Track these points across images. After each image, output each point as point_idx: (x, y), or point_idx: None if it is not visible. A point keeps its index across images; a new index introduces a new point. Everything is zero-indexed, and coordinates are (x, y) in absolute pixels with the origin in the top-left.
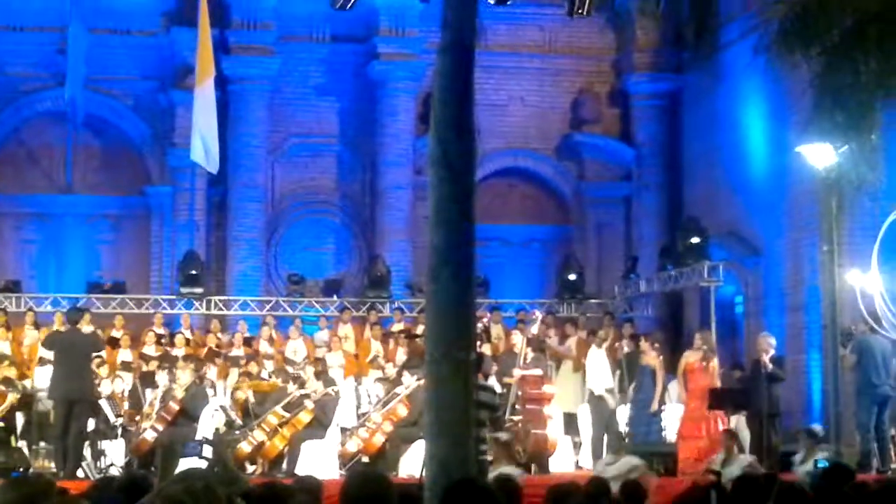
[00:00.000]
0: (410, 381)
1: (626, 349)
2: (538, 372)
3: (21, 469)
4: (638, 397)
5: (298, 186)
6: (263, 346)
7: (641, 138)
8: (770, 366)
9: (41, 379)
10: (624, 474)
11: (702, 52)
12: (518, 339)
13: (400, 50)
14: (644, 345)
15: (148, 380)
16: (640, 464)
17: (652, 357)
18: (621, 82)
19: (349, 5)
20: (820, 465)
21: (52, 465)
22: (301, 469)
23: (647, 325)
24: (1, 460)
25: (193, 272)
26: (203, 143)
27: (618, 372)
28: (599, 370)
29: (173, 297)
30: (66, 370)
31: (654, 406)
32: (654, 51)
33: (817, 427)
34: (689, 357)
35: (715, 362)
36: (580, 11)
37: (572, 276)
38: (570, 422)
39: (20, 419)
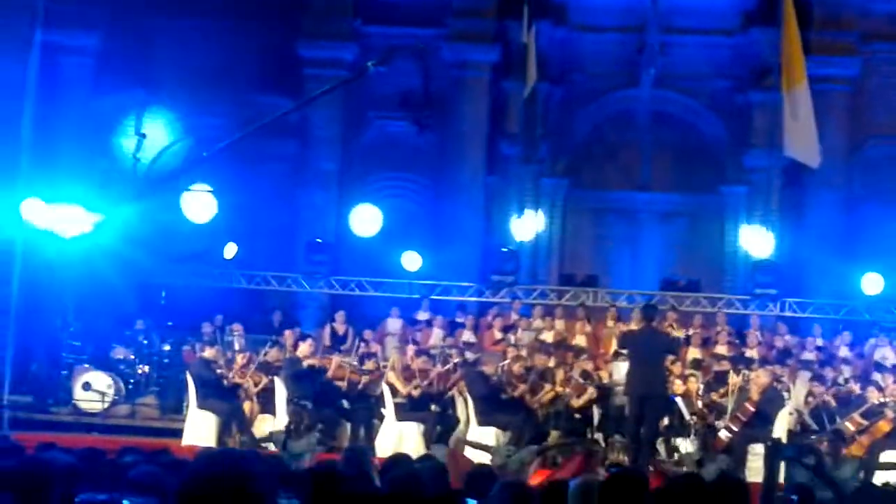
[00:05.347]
0: None
1: None
2: None
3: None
4: None
5: (879, 188)
6: (843, 351)
7: None
8: None
9: (617, 373)
10: None
11: None
12: None
13: None
14: None
15: (720, 379)
16: None
17: None
18: None
19: None
20: None
21: (626, 458)
22: (881, 478)
23: None
24: (578, 451)
25: (768, 272)
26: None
27: None
28: None
29: (746, 297)
30: (638, 367)
31: None
32: None
33: None
34: None
35: None
36: None
37: None
38: None
39: (596, 412)
